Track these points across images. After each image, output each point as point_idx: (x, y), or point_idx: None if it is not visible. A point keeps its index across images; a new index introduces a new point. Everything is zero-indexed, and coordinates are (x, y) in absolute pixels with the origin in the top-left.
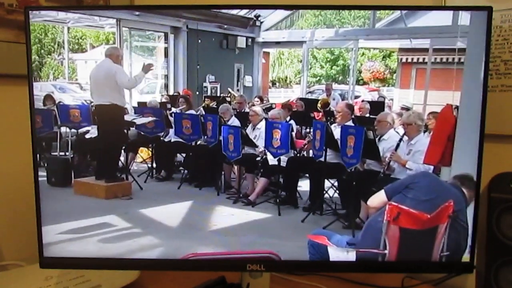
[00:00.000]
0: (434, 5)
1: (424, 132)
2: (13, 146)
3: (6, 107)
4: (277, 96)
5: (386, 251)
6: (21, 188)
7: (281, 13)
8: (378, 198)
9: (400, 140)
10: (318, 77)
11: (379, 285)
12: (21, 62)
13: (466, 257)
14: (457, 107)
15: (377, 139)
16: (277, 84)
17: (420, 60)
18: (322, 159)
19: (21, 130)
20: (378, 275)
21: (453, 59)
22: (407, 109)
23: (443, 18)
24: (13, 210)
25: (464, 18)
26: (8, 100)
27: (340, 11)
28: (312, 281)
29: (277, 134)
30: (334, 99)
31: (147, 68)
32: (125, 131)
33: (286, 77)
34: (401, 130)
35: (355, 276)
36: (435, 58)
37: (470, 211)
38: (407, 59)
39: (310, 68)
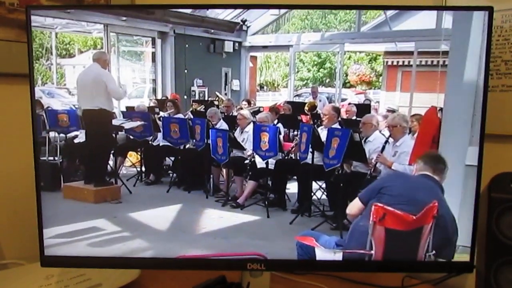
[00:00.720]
0: (435, 5)
1: (408, 134)
2: (14, 145)
3: (7, 105)
4: (265, 100)
5: (372, 252)
6: (21, 187)
7: (267, 17)
8: (354, 206)
9: (386, 142)
10: (305, 81)
11: (379, 284)
12: (22, 61)
13: (466, 257)
14: (441, 109)
15: (362, 141)
16: (265, 87)
17: (406, 63)
18: (307, 161)
19: (22, 128)
20: (378, 274)
21: (438, 61)
22: (393, 111)
23: (427, 21)
24: (14, 210)
25: (448, 21)
26: (9, 99)
27: (326, 15)
28: (312, 281)
29: (265, 137)
30: (320, 101)
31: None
32: (114, 135)
33: (274, 81)
34: (387, 132)
35: (355, 275)
36: (420, 61)
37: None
38: (392, 62)
39: (298, 72)
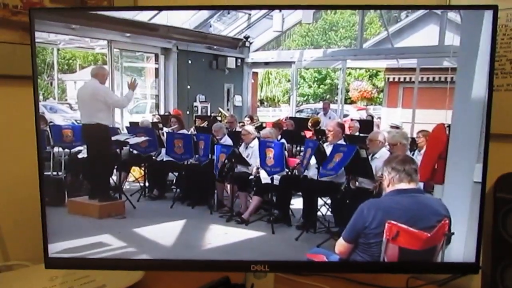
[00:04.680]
0: (439, 4)
1: (414, 150)
2: (19, 147)
3: (11, 107)
4: (265, 115)
5: None
6: (26, 190)
7: (270, 34)
8: (341, 246)
9: None
10: (306, 96)
11: (383, 285)
12: (25, 63)
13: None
14: (449, 126)
15: (370, 157)
16: (265, 103)
17: (407, 79)
18: (313, 177)
19: (27, 131)
20: (383, 275)
21: (440, 78)
22: (397, 127)
23: (429, 38)
24: (19, 212)
25: (450, 38)
26: (13, 101)
27: (326, 31)
28: (316, 282)
29: (270, 153)
30: (330, 118)
31: (133, 85)
32: (118, 150)
33: (274, 96)
34: None
35: (360, 276)
36: (422, 77)
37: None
38: (394, 78)
39: (298, 88)
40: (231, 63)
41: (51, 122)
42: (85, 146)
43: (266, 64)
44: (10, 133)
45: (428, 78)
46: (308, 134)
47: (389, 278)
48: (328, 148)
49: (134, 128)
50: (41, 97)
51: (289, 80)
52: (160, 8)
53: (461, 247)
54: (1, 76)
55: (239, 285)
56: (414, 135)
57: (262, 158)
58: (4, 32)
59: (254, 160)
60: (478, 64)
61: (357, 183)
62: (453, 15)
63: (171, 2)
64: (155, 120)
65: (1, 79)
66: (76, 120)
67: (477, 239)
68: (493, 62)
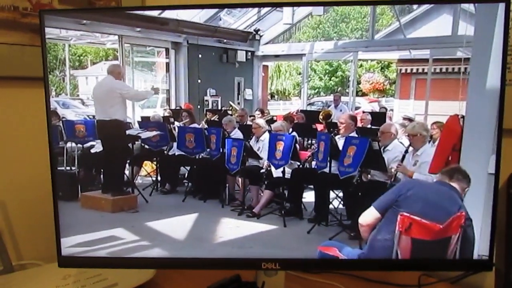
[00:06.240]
0: None
1: (429, 142)
2: (32, 148)
3: (22, 109)
4: (276, 109)
5: None
6: (39, 189)
7: (280, 27)
8: (369, 216)
9: (406, 151)
10: (317, 89)
11: (395, 283)
12: (35, 65)
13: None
14: (463, 117)
15: (382, 149)
16: (276, 96)
17: (420, 70)
18: (326, 170)
19: (38, 131)
20: (394, 273)
21: (453, 68)
22: (410, 119)
23: (442, 28)
24: (32, 211)
25: (463, 27)
26: (23, 102)
27: (337, 23)
28: (327, 279)
29: (280, 146)
30: (341, 110)
31: (156, 89)
32: (130, 145)
33: (285, 90)
34: (405, 141)
35: (371, 274)
36: (435, 68)
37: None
38: (406, 69)
39: (309, 80)
40: (241, 56)
41: (63, 117)
42: (101, 142)
43: (276, 57)
44: (22, 134)
45: (441, 69)
46: (319, 127)
47: (400, 275)
48: (340, 141)
49: (145, 122)
50: (53, 93)
51: (299, 73)
52: (169, 7)
53: (476, 241)
54: (11, 78)
55: (250, 283)
56: (429, 127)
57: (272, 152)
58: (13, 34)
59: (265, 154)
60: (492, 56)
61: (369, 176)
62: (466, 4)
63: (178, 1)
64: (166, 114)
65: (11, 81)
66: (88, 115)
67: (490, 236)
68: (505, 56)
